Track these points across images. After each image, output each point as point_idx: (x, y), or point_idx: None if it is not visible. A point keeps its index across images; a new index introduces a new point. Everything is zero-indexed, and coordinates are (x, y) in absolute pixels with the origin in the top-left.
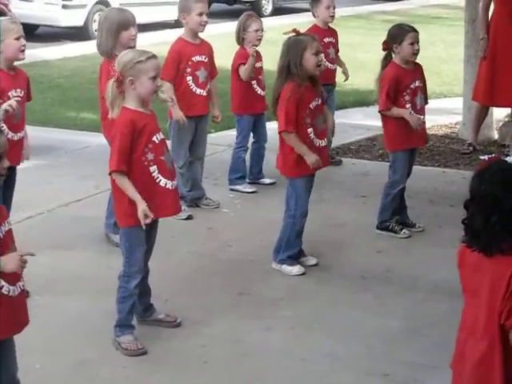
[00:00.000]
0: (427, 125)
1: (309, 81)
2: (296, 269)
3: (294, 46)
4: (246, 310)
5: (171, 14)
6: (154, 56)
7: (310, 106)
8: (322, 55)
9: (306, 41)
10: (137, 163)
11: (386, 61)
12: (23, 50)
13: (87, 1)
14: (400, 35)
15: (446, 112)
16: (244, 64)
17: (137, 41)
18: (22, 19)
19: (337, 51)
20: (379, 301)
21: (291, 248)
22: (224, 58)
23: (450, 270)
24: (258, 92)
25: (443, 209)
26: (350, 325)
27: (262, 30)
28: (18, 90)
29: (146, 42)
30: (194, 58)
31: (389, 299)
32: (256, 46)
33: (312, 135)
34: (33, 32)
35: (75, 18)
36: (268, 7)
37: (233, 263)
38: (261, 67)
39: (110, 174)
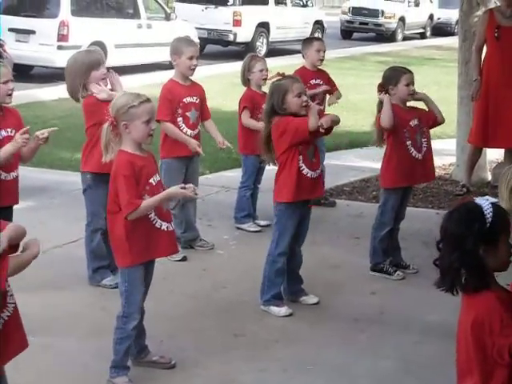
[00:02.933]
0: None
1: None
2: (283, 310)
3: (276, 91)
4: (240, 352)
5: (165, 55)
6: (147, 100)
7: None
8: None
9: (287, 84)
10: None
11: (382, 104)
12: (10, 94)
13: (82, 42)
14: (395, 77)
15: (439, 153)
16: (248, 107)
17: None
18: (17, 60)
19: (326, 92)
20: (372, 342)
21: (273, 287)
22: (219, 98)
23: (443, 311)
24: None
25: (437, 251)
26: (344, 366)
27: (267, 70)
28: (9, 130)
29: (139, 83)
30: (184, 100)
31: (382, 340)
32: (261, 85)
33: (301, 163)
34: (28, 72)
35: None
36: (262, 49)
37: (227, 304)
38: None
39: (126, 216)
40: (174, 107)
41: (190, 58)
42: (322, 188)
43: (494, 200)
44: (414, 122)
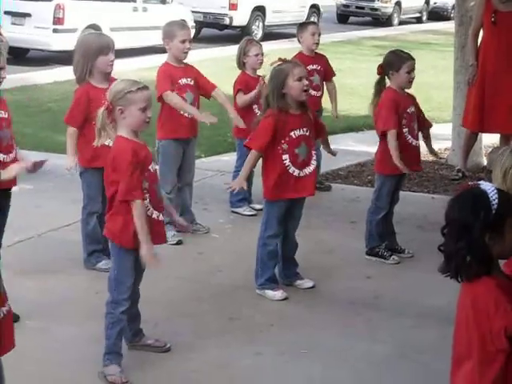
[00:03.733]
0: None
1: (298, 108)
2: (279, 294)
3: (276, 76)
4: (236, 335)
5: (160, 38)
6: (145, 87)
7: (292, 134)
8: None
9: (288, 68)
10: None
11: (380, 86)
12: (1, 82)
13: (78, 25)
14: (398, 62)
15: (435, 138)
16: (242, 90)
17: (113, 67)
18: (12, 43)
19: (324, 78)
20: (368, 326)
21: (267, 270)
22: (214, 82)
23: (439, 295)
24: None
25: (432, 235)
26: (339, 350)
27: (263, 55)
28: (2, 112)
29: (135, 66)
30: (180, 81)
31: (378, 324)
32: (257, 69)
33: (287, 162)
34: (23, 56)
35: (66, 42)
36: (258, 33)
37: (223, 288)
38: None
39: (124, 201)
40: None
41: (183, 42)
42: (311, 187)
43: (492, 185)
44: (411, 109)
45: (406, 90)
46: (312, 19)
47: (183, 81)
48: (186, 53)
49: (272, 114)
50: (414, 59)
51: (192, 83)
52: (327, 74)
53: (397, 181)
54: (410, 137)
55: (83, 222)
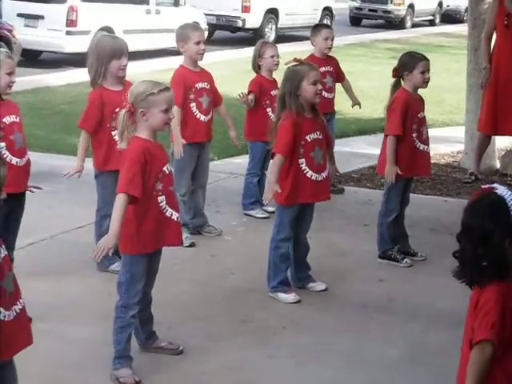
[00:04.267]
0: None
1: (310, 111)
2: (291, 296)
3: (292, 77)
4: (248, 338)
5: (174, 41)
6: (166, 88)
7: (307, 137)
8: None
9: (304, 71)
10: (148, 193)
11: (395, 88)
12: (11, 86)
13: (91, 27)
14: (411, 63)
15: (448, 141)
16: (254, 92)
17: (126, 71)
18: (25, 45)
19: (336, 79)
20: (380, 329)
21: (279, 273)
22: (227, 85)
23: (452, 299)
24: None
25: (445, 238)
26: (352, 353)
27: (278, 56)
28: (13, 116)
29: (148, 68)
30: (196, 85)
31: (390, 328)
32: (273, 71)
33: (303, 166)
34: (36, 58)
35: (79, 44)
36: (271, 35)
37: (235, 291)
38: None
39: (119, 193)
40: (187, 93)
41: (198, 43)
42: (327, 191)
43: (507, 189)
44: (421, 114)
45: (419, 92)
46: (325, 22)
47: (199, 85)
48: (202, 54)
49: (290, 116)
50: (428, 60)
51: (208, 87)
52: (339, 75)
53: (405, 182)
54: (418, 142)
55: (97, 224)
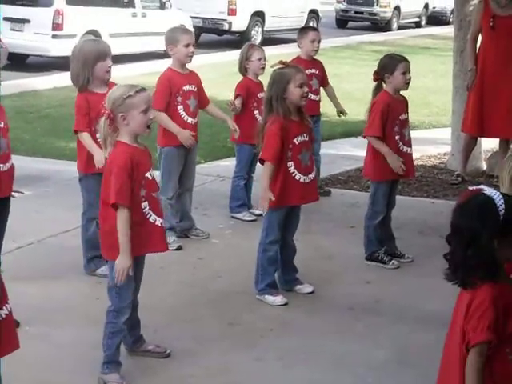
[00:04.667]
0: (416, 155)
1: (297, 114)
2: (278, 299)
3: (278, 80)
4: (235, 341)
5: (160, 44)
6: (143, 89)
7: (295, 140)
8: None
9: (290, 74)
10: (132, 199)
11: (377, 91)
12: None
13: (77, 31)
14: (392, 65)
15: (434, 142)
16: (241, 96)
17: (111, 73)
18: (12, 49)
19: (321, 82)
20: (367, 331)
21: (267, 276)
22: (214, 88)
23: (439, 300)
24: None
25: (432, 239)
26: (339, 355)
27: (265, 59)
28: (2, 123)
29: (135, 72)
30: (184, 88)
31: (377, 329)
32: (259, 74)
33: (292, 169)
34: (23, 62)
35: (65, 48)
36: (257, 38)
37: (223, 293)
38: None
39: (112, 205)
40: (174, 95)
41: (187, 46)
42: (316, 193)
43: (495, 191)
44: (403, 116)
45: (403, 93)
46: (311, 24)
47: (187, 87)
48: (191, 57)
49: (277, 120)
50: (408, 60)
51: (195, 90)
52: (323, 80)
53: (391, 184)
54: (401, 144)
55: (83, 228)
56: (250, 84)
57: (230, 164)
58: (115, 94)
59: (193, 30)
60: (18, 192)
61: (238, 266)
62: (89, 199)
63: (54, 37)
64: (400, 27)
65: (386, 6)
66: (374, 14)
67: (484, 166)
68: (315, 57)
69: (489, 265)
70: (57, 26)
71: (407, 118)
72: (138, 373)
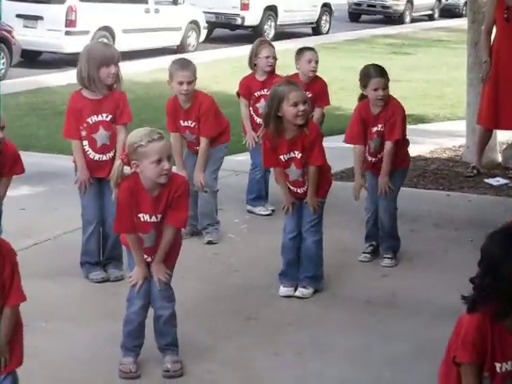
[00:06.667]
0: (431, 148)
1: (296, 130)
2: (283, 290)
3: (272, 97)
4: (253, 335)
5: (173, 39)
6: (158, 138)
7: (281, 157)
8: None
9: (284, 92)
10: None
11: (361, 99)
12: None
13: (90, 27)
14: (364, 80)
15: (449, 135)
16: (243, 95)
17: (115, 78)
18: (25, 46)
19: (316, 103)
20: (384, 325)
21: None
22: (227, 82)
23: (455, 294)
24: (257, 121)
25: (448, 232)
26: (357, 349)
27: (274, 57)
28: None
29: (147, 67)
30: (181, 122)
31: (394, 324)
32: (266, 71)
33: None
34: (36, 58)
35: (78, 45)
36: (270, 32)
37: (240, 288)
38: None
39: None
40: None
41: (180, 83)
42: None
43: None
44: (376, 128)
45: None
46: (324, 18)
47: (184, 123)
48: (184, 94)
49: (266, 136)
50: (383, 76)
51: (193, 126)
52: (322, 99)
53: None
54: (367, 154)
55: (82, 229)
56: (249, 84)
57: (244, 159)
58: (130, 140)
59: (206, 25)
60: None
61: (254, 261)
62: (83, 201)
63: (67, 33)
64: (413, 20)
65: None
66: (387, 7)
67: (499, 158)
68: (318, 74)
69: (502, 297)
70: (70, 23)
71: (381, 131)
72: (153, 367)
